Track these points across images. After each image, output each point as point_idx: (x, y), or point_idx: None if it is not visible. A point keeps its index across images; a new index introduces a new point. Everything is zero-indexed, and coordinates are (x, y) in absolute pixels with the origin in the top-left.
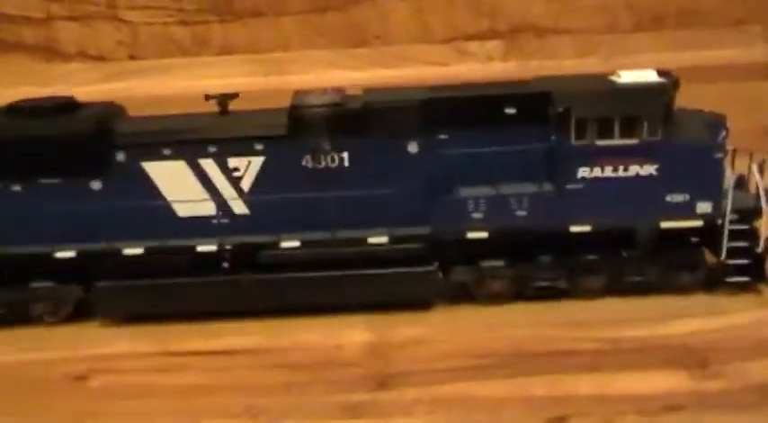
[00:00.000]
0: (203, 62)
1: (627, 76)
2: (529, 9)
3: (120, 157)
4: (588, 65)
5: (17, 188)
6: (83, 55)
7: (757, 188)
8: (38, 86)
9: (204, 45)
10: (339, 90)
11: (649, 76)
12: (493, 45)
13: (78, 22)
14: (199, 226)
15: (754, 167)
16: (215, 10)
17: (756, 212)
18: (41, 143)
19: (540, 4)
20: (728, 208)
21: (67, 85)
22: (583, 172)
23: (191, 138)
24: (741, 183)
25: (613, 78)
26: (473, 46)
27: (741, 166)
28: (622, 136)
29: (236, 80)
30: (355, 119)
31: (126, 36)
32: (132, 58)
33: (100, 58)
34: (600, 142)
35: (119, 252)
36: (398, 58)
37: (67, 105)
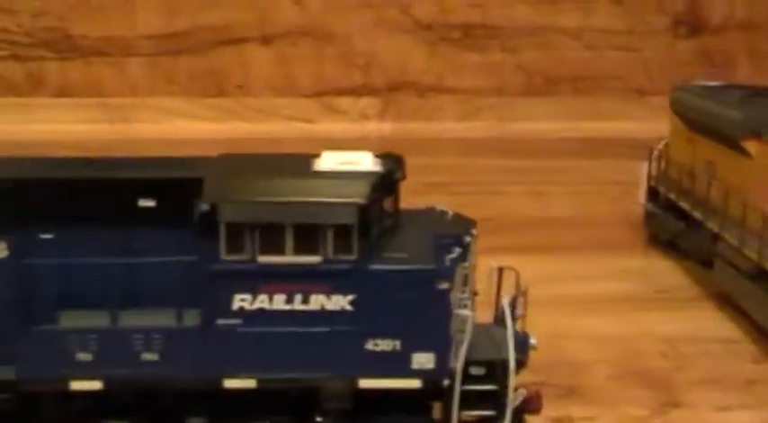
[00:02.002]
0: (37, 104)
1: (328, 160)
2: (409, 64)
3: None
4: (475, 129)
5: None
6: None
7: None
8: None
9: (39, 84)
10: None
11: (361, 160)
12: (368, 102)
13: None
14: None
15: (506, 306)
16: (53, 46)
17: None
18: None
19: (422, 60)
20: (461, 361)
21: None
22: (242, 301)
23: None
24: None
25: (312, 162)
26: (344, 102)
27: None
28: (299, 252)
29: (77, 126)
30: None
31: None
32: None
33: None
34: (264, 259)
35: None
36: (259, 112)
37: None
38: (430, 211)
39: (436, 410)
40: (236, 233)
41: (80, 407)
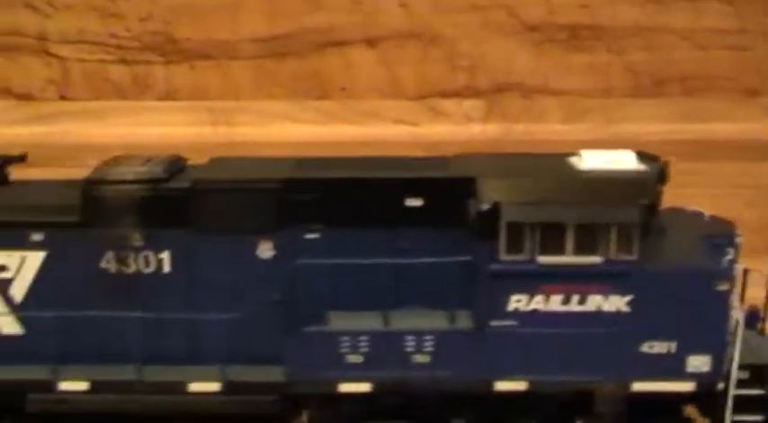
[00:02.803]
0: (143, 107)
1: (591, 160)
2: (514, 66)
3: None
4: (580, 131)
5: None
6: (6, 92)
7: None
8: None
9: (145, 88)
10: (171, 159)
11: (625, 160)
12: (471, 104)
13: (3, 56)
14: None
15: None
16: (159, 49)
17: None
18: None
19: (528, 61)
20: (735, 365)
21: None
22: (517, 302)
23: None
24: (754, 319)
25: (572, 161)
26: (449, 104)
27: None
28: (579, 252)
29: (180, 129)
30: (181, 204)
31: (57, 73)
32: (63, 98)
33: (26, 97)
34: (544, 259)
35: None
36: (364, 114)
37: None
38: (683, 212)
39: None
40: (517, 233)
41: (343, 410)
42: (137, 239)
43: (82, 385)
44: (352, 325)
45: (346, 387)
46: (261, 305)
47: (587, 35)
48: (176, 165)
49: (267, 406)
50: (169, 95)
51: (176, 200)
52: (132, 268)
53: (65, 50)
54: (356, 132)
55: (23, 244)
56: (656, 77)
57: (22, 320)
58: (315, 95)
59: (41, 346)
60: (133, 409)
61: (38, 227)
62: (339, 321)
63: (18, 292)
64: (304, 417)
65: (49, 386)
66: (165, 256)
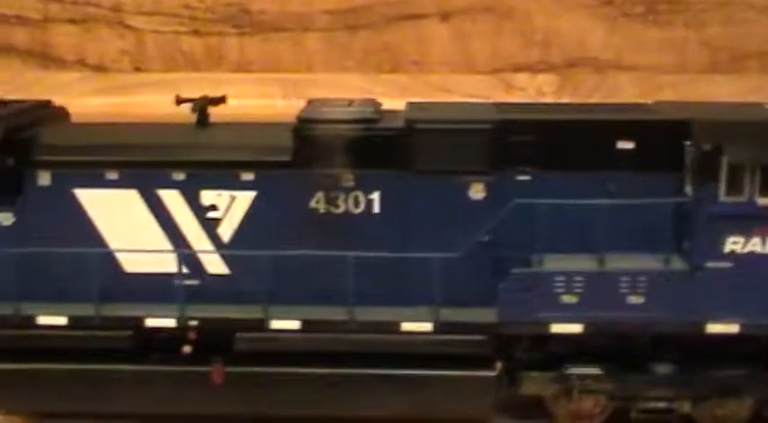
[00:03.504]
0: (216, 79)
1: None
2: (588, 40)
3: (44, 180)
4: None
5: None
6: (81, 63)
7: None
8: (29, 96)
9: (218, 60)
10: (370, 102)
11: None
12: (544, 79)
13: (78, 27)
14: (151, 289)
15: None
16: (232, 21)
17: None
18: None
19: (601, 36)
20: None
21: (63, 95)
22: (733, 244)
23: (148, 158)
24: None
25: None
26: (521, 79)
27: None
28: None
29: (252, 102)
30: (393, 145)
31: (131, 45)
32: (137, 69)
33: (101, 68)
34: (763, 201)
35: (30, 320)
36: (436, 88)
37: None
38: None
39: None
40: (737, 175)
41: (551, 350)
42: (348, 180)
43: (293, 324)
44: (567, 266)
45: (558, 328)
46: (472, 246)
47: (665, 9)
48: (378, 107)
49: (478, 346)
50: (241, 67)
51: (389, 140)
52: (341, 208)
53: (139, 22)
54: None
55: (233, 184)
56: (733, 53)
57: (230, 260)
58: (387, 69)
59: (249, 286)
60: (343, 349)
61: (249, 166)
62: (553, 262)
63: (226, 231)
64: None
65: (259, 325)
66: (375, 196)
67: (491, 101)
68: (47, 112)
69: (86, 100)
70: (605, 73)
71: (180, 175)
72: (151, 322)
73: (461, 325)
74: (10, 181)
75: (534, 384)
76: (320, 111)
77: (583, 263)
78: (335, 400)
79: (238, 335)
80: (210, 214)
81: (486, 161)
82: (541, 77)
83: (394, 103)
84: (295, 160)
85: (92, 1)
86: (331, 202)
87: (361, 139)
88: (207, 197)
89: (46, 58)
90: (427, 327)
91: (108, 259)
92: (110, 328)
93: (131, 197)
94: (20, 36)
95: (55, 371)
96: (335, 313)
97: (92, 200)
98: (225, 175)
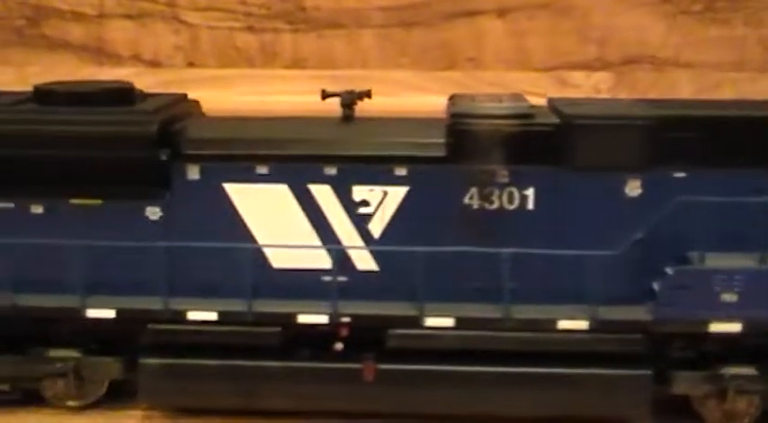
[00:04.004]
0: (270, 75)
1: None
2: (646, 37)
3: (193, 174)
4: None
5: (38, 210)
6: (136, 58)
7: None
8: None
9: (273, 56)
10: (517, 97)
11: None
12: (600, 76)
13: (133, 22)
14: (302, 285)
15: None
16: (287, 17)
17: None
18: (77, 146)
19: (659, 33)
20: None
21: None
22: None
23: (299, 152)
24: None
25: None
26: (577, 76)
27: None
28: None
29: (306, 98)
30: (549, 141)
31: (185, 40)
32: (191, 65)
33: (155, 64)
34: None
35: (180, 315)
36: (492, 85)
37: (119, 94)
38: None
39: None
40: None
41: (705, 349)
42: (502, 176)
43: (447, 322)
44: (727, 264)
45: (717, 327)
46: (628, 243)
47: (724, 7)
48: (526, 102)
49: (634, 344)
50: (296, 64)
51: (545, 136)
52: (495, 205)
53: (194, 17)
54: None
55: (386, 179)
56: None
57: (381, 256)
58: (442, 66)
59: (399, 282)
60: (497, 347)
61: (402, 162)
62: (713, 260)
63: (377, 227)
64: None
65: (413, 322)
66: (530, 192)
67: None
68: (186, 105)
69: None
70: (662, 70)
71: (332, 170)
72: (303, 319)
73: (618, 323)
74: (159, 175)
75: (686, 384)
76: (474, 106)
77: (743, 261)
78: (488, 398)
79: (390, 332)
80: (361, 210)
81: (644, 158)
82: (597, 75)
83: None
84: (449, 156)
85: None
86: (485, 197)
87: (517, 135)
88: (359, 192)
89: (101, 54)
90: (583, 325)
91: (257, 254)
92: (260, 323)
93: (282, 192)
94: (75, 32)
95: (204, 367)
96: (490, 311)
97: (241, 194)
98: (378, 171)
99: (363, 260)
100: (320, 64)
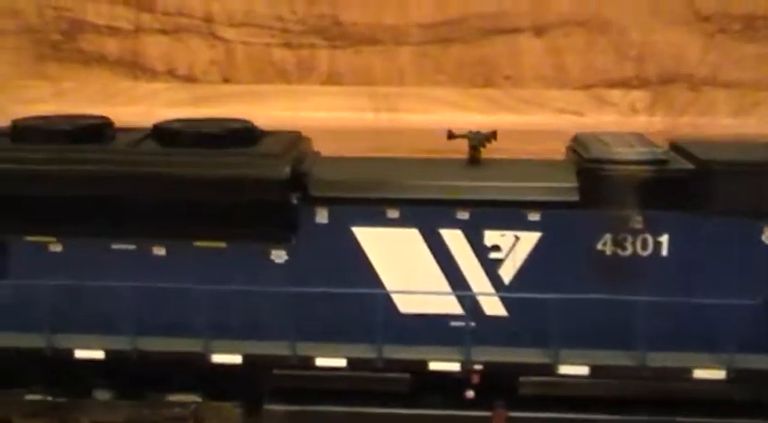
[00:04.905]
0: (306, 91)
1: None
2: (684, 56)
3: (321, 217)
4: (749, 125)
5: (160, 252)
6: (171, 73)
7: None
8: (119, 106)
9: (308, 71)
10: (641, 138)
11: None
12: (637, 95)
13: (169, 37)
14: (430, 330)
15: None
16: (324, 33)
17: None
18: (203, 189)
19: (697, 52)
20: None
21: (151, 105)
22: None
23: (431, 196)
24: None
25: None
26: (614, 94)
27: None
28: None
29: (342, 114)
30: (685, 186)
31: (221, 55)
32: (226, 80)
33: (190, 79)
34: None
35: (308, 361)
36: (528, 103)
37: (243, 134)
38: None
39: None
40: None
41: None
42: (637, 222)
43: (582, 370)
44: None
45: None
46: (765, 291)
47: (763, 25)
48: (654, 145)
49: None
50: (332, 79)
51: (681, 181)
52: (629, 251)
53: (230, 33)
54: (519, 121)
55: (519, 224)
56: None
57: (511, 302)
58: (479, 83)
59: (529, 328)
60: (632, 395)
61: (536, 206)
62: None
63: (507, 272)
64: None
65: (546, 369)
66: (664, 239)
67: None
68: (304, 144)
69: (174, 110)
70: (700, 89)
71: (464, 215)
72: (434, 366)
73: (754, 372)
74: (286, 218)
75: None
76: (608, 150)
77: None
78: None
79: (523, 379)
80: (492, 255)
81: None
82: (634, 93)
83: (486, 117)
84: (582, 201)
85: (184, 11)
86: (618, 244)
87: (653, 181)
88: (490, 237)
89: (135, 68)
90: (720, 374)
91: (385, 299)
92: (389, 370)
93: (412, 236)
94: (111, 46)
95: (331, 413)
96: (624, 358)
97: (370, 238)
98: (510, 215)
99: (492, 306)
100: (356, 80)
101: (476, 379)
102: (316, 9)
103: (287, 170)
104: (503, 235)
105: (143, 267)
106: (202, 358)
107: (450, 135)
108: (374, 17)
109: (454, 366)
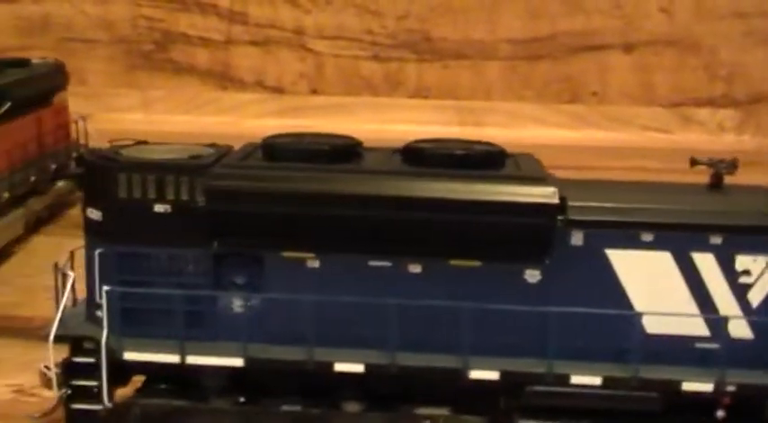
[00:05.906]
0: (393, 104)
1: None
2: None
3: (577, 239)
4: None
5: (416, 270)
6: (259, 84)
7: None
8: (206, 115)
9: (396, 85)
10: None
11: None
12: (726, 114)
13: (259, 48)
14: (675, 351)
15: None
16: (413, 47)
17: None
18: (466, 211)
19: None
20: None
21: (240, 116)
22: None
23: (687, 221)
24: None
25: None
26: (702, 113)
27: None
28: None
29: (428, 128)
30: None
31: (310, 67)
32: (314, 92)
33: (278, 90)
34: None
35: (563, 379)
36: (614, 120)
37: (493, 156)
38: None
39: None
40: None
41: None
42: None
43: None
44: None
45: None
46: None
47: None
48: None
49: None
50: (419, 93)
51: None
52: None
53: (320, 45)
54: (606, 138)
55: None
56: None
57: (756, 325)
58: (566, 99)
59: None
60: None
61: None
62: None
63: (756, 297)
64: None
65: None
66: None
67: None
68: (539, 165)
69: (262, 121)
70: None
71: (717, 240)
72: (687, 386)
73: None
74: (544, 239)
75: None
76: None
77: None
78: None
79: None
80: (742, 279)
81: None
82: (723, 112)
83: (572, 134)
84: None
85: (276, 24)
86: None
87: None
88: (742, 262)
89: (225, 79)
90: None
91: (636, 320)
92: (640, 389)
93: (664, 259)
94: (201, 57)
95: None
96: None
97: (623, 260)
98: (763, 241)
99: (739, 328)
100: (444, 94)
101: (727, 400)
102: (406, 23)
103: (556, 194)
104: (754, 260)
105: (398, 283)
106: (460, 374)
107: (694, 162)
108: (463, 32)
109: (707, 387)
